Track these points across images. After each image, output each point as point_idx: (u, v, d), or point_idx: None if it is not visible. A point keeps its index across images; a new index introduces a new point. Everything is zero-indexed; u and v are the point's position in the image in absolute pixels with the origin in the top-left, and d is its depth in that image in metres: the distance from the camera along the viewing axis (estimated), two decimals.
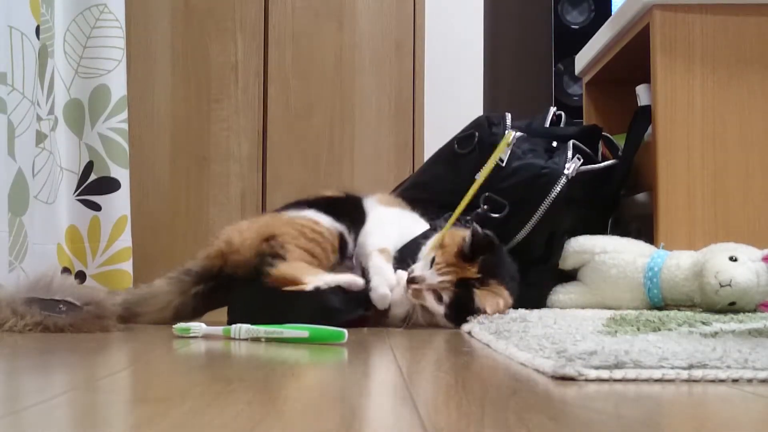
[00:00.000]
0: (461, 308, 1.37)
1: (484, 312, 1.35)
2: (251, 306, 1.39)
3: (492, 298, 1.37)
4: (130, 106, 2.18)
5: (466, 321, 1.36)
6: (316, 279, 1.37)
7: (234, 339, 1.18)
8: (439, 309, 1.38)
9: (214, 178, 2.42)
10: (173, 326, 1.25)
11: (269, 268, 1.39)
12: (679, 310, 1.53)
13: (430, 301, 1.38)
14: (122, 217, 2.13)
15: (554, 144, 1.72)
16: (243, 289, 1.43)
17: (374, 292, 1.39)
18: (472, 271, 1.38)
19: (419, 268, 1.40)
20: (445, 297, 1.38)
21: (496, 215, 1.63)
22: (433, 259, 1.39)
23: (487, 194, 1.63)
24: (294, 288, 1.36)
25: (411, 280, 1.38)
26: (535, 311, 1.50)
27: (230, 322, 1.41)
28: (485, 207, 1.62)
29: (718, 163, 1.71)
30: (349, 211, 1.56)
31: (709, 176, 1.70)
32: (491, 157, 1.61)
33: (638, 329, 1.15)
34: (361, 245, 1.50)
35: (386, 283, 1.40)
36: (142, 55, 2.40)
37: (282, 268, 1.38)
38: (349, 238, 1.51)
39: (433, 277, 1.38)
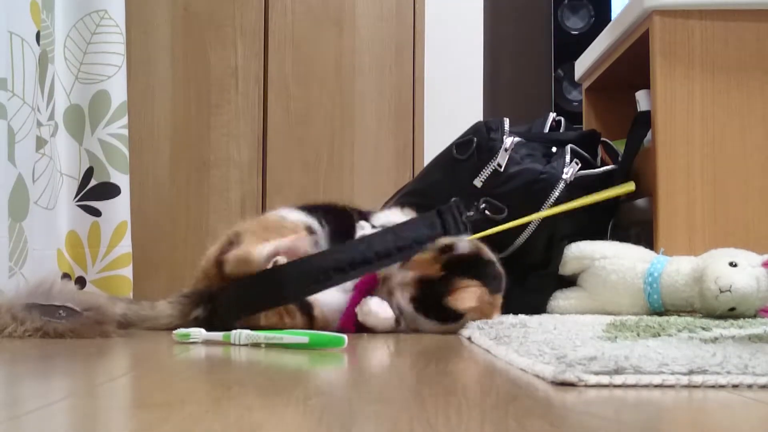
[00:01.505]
0: (430, 309, 1.37)
1: (462, 311, 1.34)
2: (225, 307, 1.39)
3: (463, 293, 1.34)
4: (130, 111, 2.19)
5: (441, 318, 1.36)
6: (261, 248, 1.35)
7: (234, 344, 1.18)
8: (408, 308, 1.37)
9: (214, 184, 2.42)
10: (173, 332, 1.25)
11: (225, 255, 1.38)
12: (679, 315, 1.53)
13: (401, 301, 1.38)
14: (122, 222, 2.13)
15: (553, 149, 1.72)
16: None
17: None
18: (435, 268, 1.37)
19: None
20: (403, 297, 1.37)
21: (495, 217, 1.63)
22: None
23: (485, 198, 1.63)
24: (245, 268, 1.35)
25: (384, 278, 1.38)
26: (535, 317, 1.50)
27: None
28: (483, 206, 1.61)
29: (717, 168, 1.71)
30: (331, 212, 1.55)
31: (708, 181, 1.70)
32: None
33: (638, 335, 1.15)
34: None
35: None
36: (142, 61, 2.41)
37: (233, 252, 1.37)
38: (321, 232, 1.48)
39: (399, 275, 1.37)
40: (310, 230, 1.46)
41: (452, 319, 1.37)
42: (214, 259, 1.41)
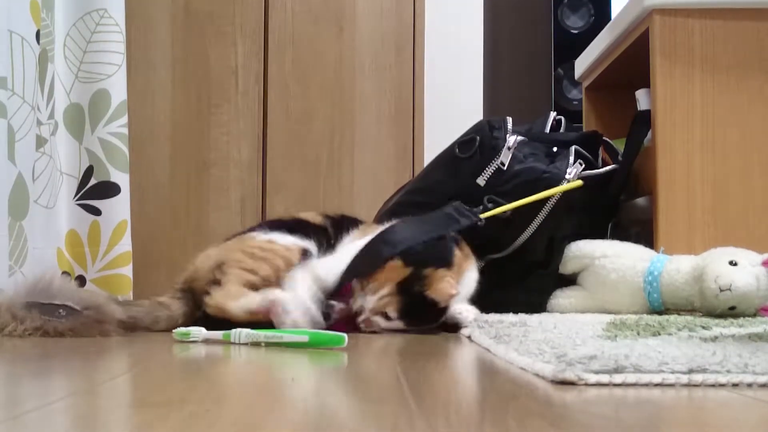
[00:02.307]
0: (416, 311, 1.37)
1: (444, 303, 1.35)
2: None
3: (440, 284, 1.35)
4: (130, 110, 2.19)
5: (429, 321, 1.37)
6: (236, 304, 1.32)
7: (234, 343, 1.18)
8: (397, 324, 1.37)
9: (214, 183, 2.42)
10: (173, 331, 1.25)
11: (207, 298, 1.36)
12: (679, 314, 1.53)
13: (384, 323, 1.37)
14: (122, 221, 2.13)
15: (554, 149, 1.72)
16: None
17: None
18: (404, 271, 1.37)
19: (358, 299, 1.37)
20: (392, 312, 1.36)
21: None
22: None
23: (489, 197, 1.63)
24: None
25: (356, 314, 1.37)
26: (535, 316, 1.50)
27: None
28: (491, 205, 1.61)
29: (717, 167, 1.71)
30: (326, 235, 1.53)
31: (708, 180, 1.70)
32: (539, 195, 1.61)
33: (638, 333, 1.15)
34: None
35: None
36: (142, 60, 2.41)
37: (214, 296, 1.35)
38: (317, 253, 1.46)
39: (370, 300, 1.36)
40: (306, 253, 1.43)
41: (439, 314, 1.37)
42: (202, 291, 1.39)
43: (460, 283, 1.41)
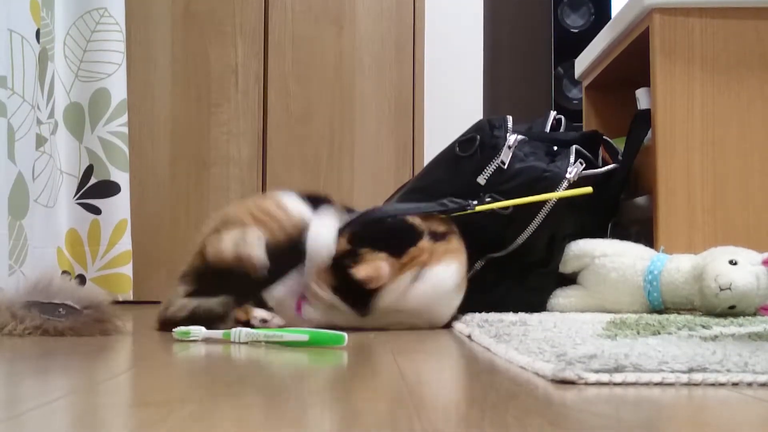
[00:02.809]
0: (346, 288, 1.35)
1: (370, 283, 1.33)
2: None
3: (368, 264, 1.33)
4: (130, 109, 2.19)
5: (361, 302, 1.35)
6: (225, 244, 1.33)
7: (234, 342, 1.18)
8: (331, 297, 1.35)
9: (214, 182, 2.42)
10: (173, 330, 1.25)
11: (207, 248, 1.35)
12: (679, 313, 1.53)
13: (320, 293, 1.35)
14: (122, 220, 2.13)
15: (555, 148, 1.72)
16: None
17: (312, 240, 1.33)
18: (344, 246, 1.36)
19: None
20: (321, 283, 1.35)
21: (501, 212, 1.63)
22: None
23: (490, 195, 1.63)
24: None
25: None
26: (535, 315, 1.50)
27: None
28: (488, 199, 1.61)
29: (717, 166, 1.71)
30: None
31: (709, 179, 1.70)
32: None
33: (638, 333, 1.15)
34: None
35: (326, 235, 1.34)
36: (142, 59, 2.41)
37: (212, 243, 1.35)
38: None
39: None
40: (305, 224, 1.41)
41: (367, 297, 1.35)
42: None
43: (420, 276, 1.37)
